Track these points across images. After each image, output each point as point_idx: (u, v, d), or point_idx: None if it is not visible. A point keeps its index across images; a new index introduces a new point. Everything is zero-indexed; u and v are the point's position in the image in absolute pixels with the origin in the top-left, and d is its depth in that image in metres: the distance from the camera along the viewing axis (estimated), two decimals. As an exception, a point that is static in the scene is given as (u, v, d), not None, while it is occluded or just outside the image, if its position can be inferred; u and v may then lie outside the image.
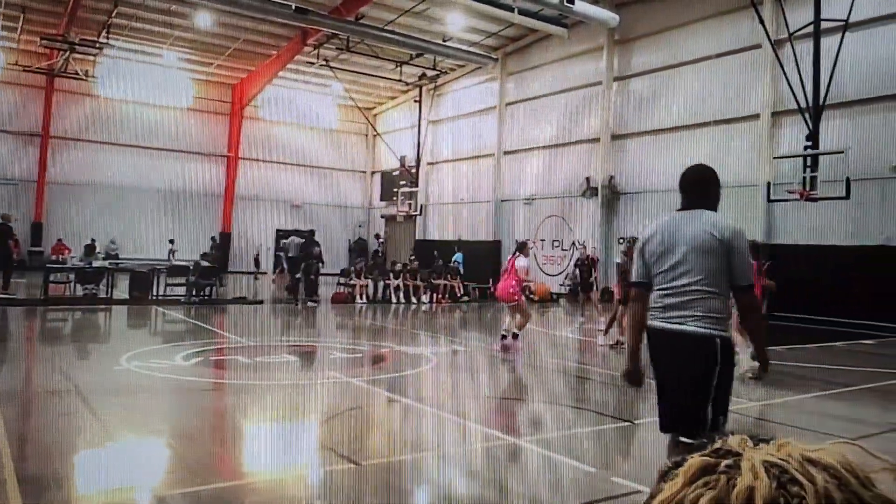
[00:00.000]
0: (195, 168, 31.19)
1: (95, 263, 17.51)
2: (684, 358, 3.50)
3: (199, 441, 5.79)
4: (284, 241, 23.79)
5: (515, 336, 11.62)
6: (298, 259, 19.47)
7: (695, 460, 0.57)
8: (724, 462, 0.55)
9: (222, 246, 30.61)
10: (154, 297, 16.71)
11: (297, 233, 22.43)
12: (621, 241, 22.33)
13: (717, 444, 0.58)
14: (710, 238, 3.46)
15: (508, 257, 12.24)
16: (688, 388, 3.50)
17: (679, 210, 3.69)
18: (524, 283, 12.17)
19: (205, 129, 31.33)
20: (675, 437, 3.63)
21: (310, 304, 18.06)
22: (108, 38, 24.57)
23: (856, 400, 8.40)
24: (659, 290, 3.59)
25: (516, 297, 11.65)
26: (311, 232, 19.80)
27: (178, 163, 30.76)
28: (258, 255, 31.01)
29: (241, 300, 18.18)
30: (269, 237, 32.79)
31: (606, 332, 12.13)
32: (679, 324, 3.48)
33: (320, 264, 19.11)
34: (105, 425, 6.10)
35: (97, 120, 28.86)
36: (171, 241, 28.33)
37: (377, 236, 34.44)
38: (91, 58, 25.39)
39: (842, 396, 8.49)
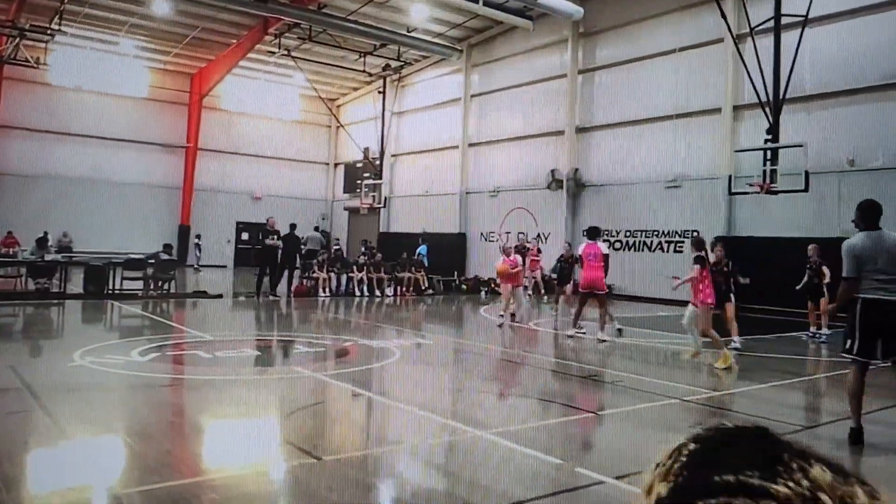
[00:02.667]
0: (152, 159, 30.54)
1: (48, 257, 17.01)
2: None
3: (156, 438, 5.64)
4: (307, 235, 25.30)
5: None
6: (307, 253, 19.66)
7: None
8: None
9: (181, 238, 30.17)
10: (110, 292, 16.29)
11: (257, 226, 22.33)
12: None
13: (800, 479, 0.48)
14: None
15: (582, 246, 12.43)
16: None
17: (868, 229, 5.84)
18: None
19: (162, 120, 30.66)
20: (867, 365, 5.87)
21: (271, 298, 17.78)
22: (60, 24, 23.82)
23: (813, 389, 8.58)
24: (872, 279, 5.73)
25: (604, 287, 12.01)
26: (292, 226, 19.37)
27: (135, 153, 30.07)
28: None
29: (201, 294, 17.86)
30: (230, 230, 32.29)
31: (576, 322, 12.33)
32: (889, 296, 5.68)
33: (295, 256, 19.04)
34: (58, 423, 5.91)
35: (49, 109, 28.04)
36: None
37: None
38: (43, 45, 24.58)
39: (800, 386, 8.65)
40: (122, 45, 27.63)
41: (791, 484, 0.47)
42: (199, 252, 29.60)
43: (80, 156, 28.72)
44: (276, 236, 18.18)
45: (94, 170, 28.97)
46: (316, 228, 28.85)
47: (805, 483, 0.47)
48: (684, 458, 0.53)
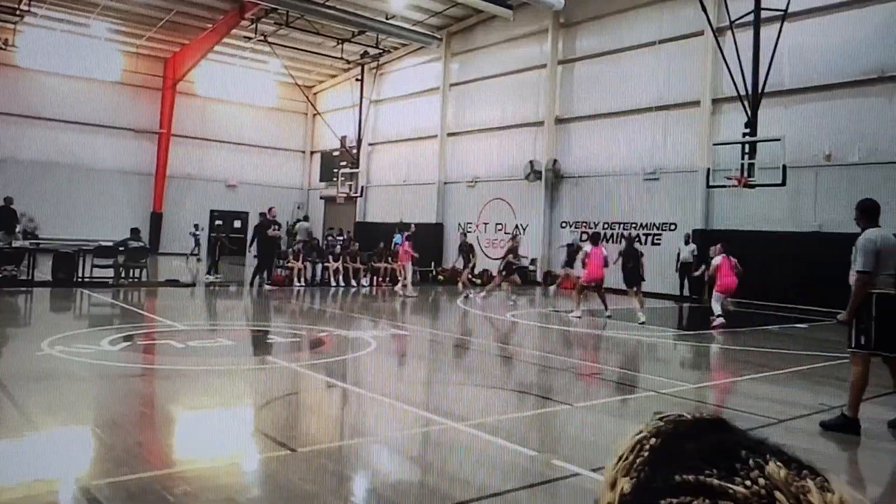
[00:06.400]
0: (124, 145, 30.02)
1: (16, 243, 16.64)
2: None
3: (126, 429, 5.52)
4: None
5: None
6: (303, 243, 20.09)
7: None
8: None
9: (153, 225, 29.76)
10: (79, 280, 15.99)
11: (232, 214, 22.13)
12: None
13: (757, 477, 0.49)
14: None
15: (589, 248, 14.41)
16: None
17: (876, 226, 6.09)
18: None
19: (135, 105, 30.14)
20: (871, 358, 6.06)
21: (267, 288, 17.64)
22: (30, 5, 23.31)
23: (788, 382, 8.64)
24: (887, 274, 5.96)
25: None
26: (262, 215, 19.17)
27: (106, 139, 29.52)
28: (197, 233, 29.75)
29: (173, 282, 17.60)
30: (204, 217, 31.85)
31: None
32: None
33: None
34: (25, 413, 5.76)
35: (17, 92, 27.39)
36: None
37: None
38: (11, 26, 24.07)
39: (774, 379, 8.72)
40: (94, 27, 27.06)
41: (748, 483, 0.48)
42: (198, 242, 28.86)
43: (50, 140, 28.13)
44: (277, 226, 18.23)
45: (63, 155, 28.39)
46: (305, 218, 28.56)
47: (762, 481, 0.48)
48: (646, 454, 0.55)
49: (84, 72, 28.77)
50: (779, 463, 0.50)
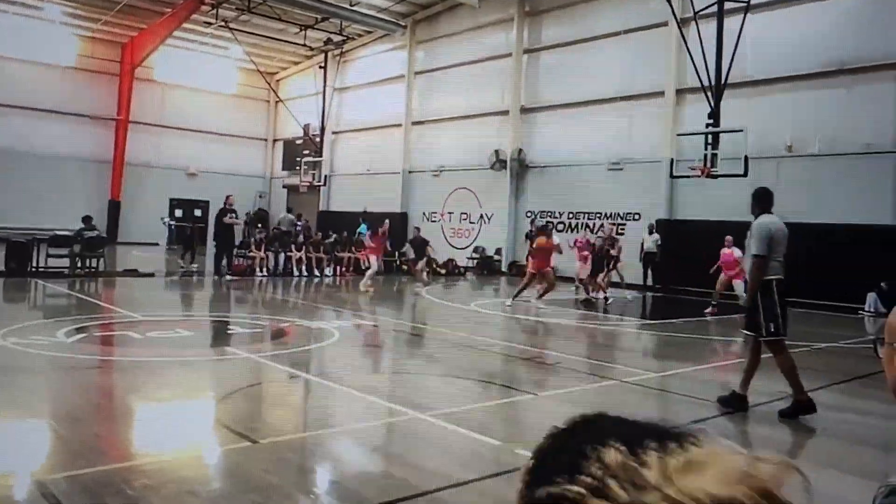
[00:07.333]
0: (81, 131, 29.16)
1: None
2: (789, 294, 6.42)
3: (83, 422, 5.40)
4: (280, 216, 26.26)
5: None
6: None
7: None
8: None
9: (111, 214, 29.09)
10: (34, 269, 15.57)
11: (192, 203, 21.73)
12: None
13: (594, 470, 0.48)
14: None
15: (539, 239, 14.80)
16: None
17: (769, 213, 6.42)
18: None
19: (91, 90, 29.29)
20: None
21: (228, 277, 17.46)
22: (-21, -15, 22.47)
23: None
24: (777, 260, 6.29)
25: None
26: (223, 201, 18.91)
27: (61, 125, 28.64)
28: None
29: (132, 273, 17.25)
30: (163, 206, 31.23)
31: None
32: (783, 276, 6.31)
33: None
34: (-25, 407, 5.58)
35: (-33, 76, 26.45)
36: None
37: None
38: (-40, 7, 23.17)
39: (735, 367, 8.86)
40: (48, 10, 26.23)
41: (583, 477, 0.48)
42: (171, 231, 28.36)
43: (2, 126, 27.22)
44: (234, 214, 18.03)
45: (17, 141, 27.48)
46: (289, 210, 28.03)
47: (598, 473, 0.48)
48: (527, 477, 0.54)
49: (38, 56, 27.86)
50: (620, 447, 0.49)
